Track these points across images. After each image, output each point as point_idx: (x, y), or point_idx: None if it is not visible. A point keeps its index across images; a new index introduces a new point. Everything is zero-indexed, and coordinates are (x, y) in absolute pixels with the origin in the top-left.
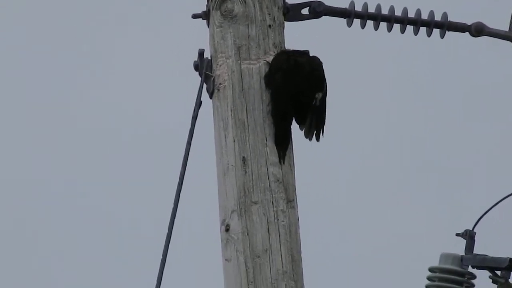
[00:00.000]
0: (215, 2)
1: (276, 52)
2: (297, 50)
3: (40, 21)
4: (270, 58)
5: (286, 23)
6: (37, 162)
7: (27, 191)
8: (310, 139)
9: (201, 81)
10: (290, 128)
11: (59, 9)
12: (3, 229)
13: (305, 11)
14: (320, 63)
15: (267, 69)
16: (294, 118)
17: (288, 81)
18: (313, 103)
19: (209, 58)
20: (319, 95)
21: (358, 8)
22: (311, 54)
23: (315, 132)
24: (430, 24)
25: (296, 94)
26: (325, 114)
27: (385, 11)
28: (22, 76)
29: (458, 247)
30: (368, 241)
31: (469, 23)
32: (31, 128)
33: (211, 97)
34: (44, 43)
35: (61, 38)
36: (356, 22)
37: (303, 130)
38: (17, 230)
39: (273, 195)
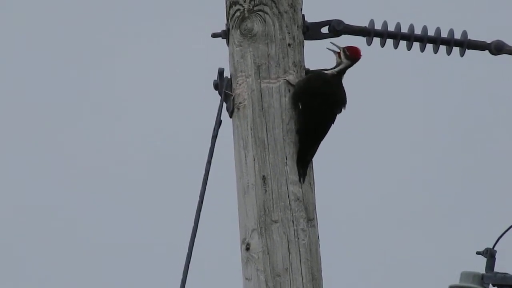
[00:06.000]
0: (234, 21)
1: (295, 71)
2: (327, 73)
3: (57, 42)
4: (290, 77)
5: (305, 41)
6: (48, 189)
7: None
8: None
9: (220, 100)
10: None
11: (78, 32)
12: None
13: (324, 29)
14: (344, 92)
15: (288, 88)
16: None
17: (325, 105)
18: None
19: (229, 77)
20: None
21: (378, 26)
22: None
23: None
24: (450, 43)
25: (327, 118)
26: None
27: (404, 29)
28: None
29: (479, 266)
30: (389, 260)
31: (489, 41)
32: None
33: (231, 116)
34: (62, 66)
35: (79, 59)
36: (376, 40)
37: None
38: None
39: (293, 214)
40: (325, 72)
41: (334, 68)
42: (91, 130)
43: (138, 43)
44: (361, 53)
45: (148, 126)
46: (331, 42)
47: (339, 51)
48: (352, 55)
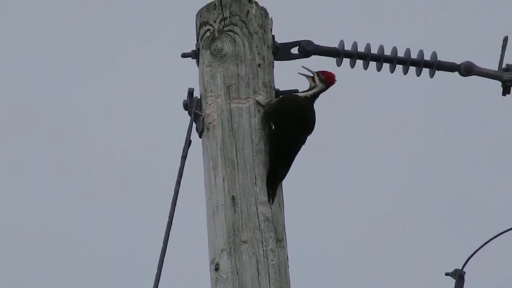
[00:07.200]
0: (204, 42)
1: (265, 92)
2: (299, 96)
3: (43, 51)
4: (259, 97)
5: (275, 62)
6: (33, 198)
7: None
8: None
9: (190, 120)
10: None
11: (53, 51)
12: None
13: (294, 50)
14: (315, 115)
15: (258, 108)
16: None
17: (297, 127)
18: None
19: (199, 97)
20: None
21: (348, 47)
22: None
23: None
24: (420, 64)
25: (299, 140)
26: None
27: (374, 50)
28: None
29: (448, 287)
30: (359, 281)
31: (458, 63)
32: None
33: (200, 136)
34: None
35: (79, 60)
36: (346, 61)
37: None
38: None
39: (263, 235)
40: (299, 94)
41: (307, 91)
42: (82, 134)
43: (108, 62)
44: (336, 78)
45: (118, 146)
46: (303, 67)
47: (311, 75)
48: (327, 80)
